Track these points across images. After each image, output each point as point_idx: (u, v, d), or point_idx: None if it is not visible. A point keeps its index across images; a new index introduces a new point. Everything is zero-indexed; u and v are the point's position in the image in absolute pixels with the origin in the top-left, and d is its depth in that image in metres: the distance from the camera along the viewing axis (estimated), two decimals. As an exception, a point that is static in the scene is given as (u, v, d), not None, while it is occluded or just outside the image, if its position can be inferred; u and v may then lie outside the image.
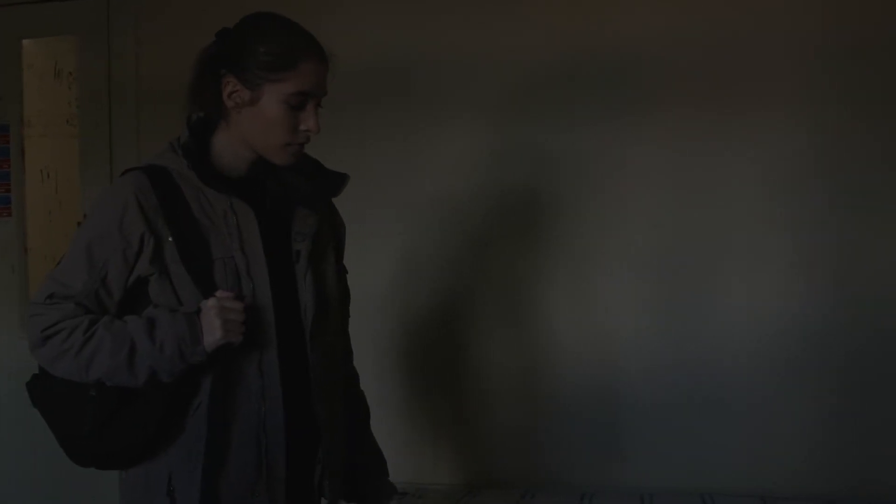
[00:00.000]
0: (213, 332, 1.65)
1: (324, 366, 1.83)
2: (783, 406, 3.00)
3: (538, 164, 3.15)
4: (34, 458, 3.57)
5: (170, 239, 1.69)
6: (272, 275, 1.76)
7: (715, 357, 3.04)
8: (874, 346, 2.95)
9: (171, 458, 1.73)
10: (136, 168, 1.77)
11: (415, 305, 3.27)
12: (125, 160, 3.43)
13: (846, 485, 2.94)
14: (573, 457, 3.15)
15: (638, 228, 3.09)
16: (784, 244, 3.00)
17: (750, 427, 3.02)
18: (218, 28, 1.81)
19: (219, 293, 1.68)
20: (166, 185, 1.73)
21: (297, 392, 1.79)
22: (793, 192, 2.99)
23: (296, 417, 1.78)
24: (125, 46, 3.47)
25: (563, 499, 2.89)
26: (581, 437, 3.14)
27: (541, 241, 3.16)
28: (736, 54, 3.01)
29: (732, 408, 3.03)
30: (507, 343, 3.21)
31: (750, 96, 3.01)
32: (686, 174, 3.06)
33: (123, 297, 1.72)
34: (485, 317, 3.22)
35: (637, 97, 3.08)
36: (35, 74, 4.06)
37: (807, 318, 2.98)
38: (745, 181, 3.02)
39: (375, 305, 3.23)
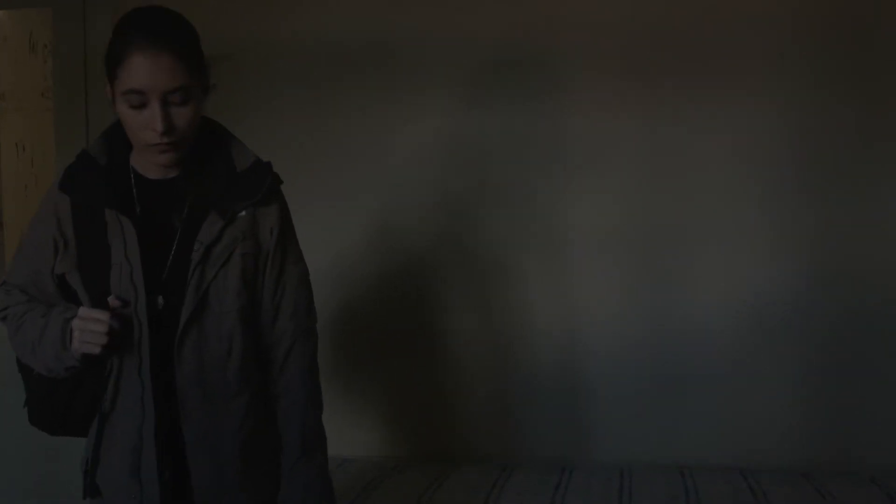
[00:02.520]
0: (73, 342, 1.70)
1: (197, 379, 1.76)
2: (760, 381, 3.02)
3: (516, 140, 3.14)
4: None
5: (72, 243, 1.78)
6: (169, 283, 1.75)
7: (692, 332, 3.05)
8: (850, 320, 2.97)
9: (89, 442, 1.84)
10: (70, 166, 1.81)
11: (389, 278, 3.26)
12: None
13: (823, 458, 2.97)
14: (552, 432, 3.16)
15: (614, 206, 3.09)
16: (760, 221, 3.01)
17: (727, 401, 3.04)
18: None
19: (81, 310, 1.71)
20: (84, 189, 1.77)
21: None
22: (768, 169, 3.00)
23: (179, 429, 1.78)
24: (101, 19, 3.42)
25: (543, 473, 2.90)
26: (559, 413, 3.15)
27: (517, 217, 3.15)
28: (709, 32, 3.01)
29: (710, 382, 3.04)
30: (482, 319, 3.20)
31: (723, 73, 3.01)
32: (661, 152, 3.06)
33: (60, 285, 1.82)
34: (459, 290, 3.22)
35: (612, 77, 3.06)
36: (9, 47, 4.00)
37: (783, 293, 3.00)
38: (720, 159, 3.02)
39: (350, 276, 3.22)
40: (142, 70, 1.64)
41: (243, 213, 1.80)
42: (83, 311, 1.70)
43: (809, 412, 3.01)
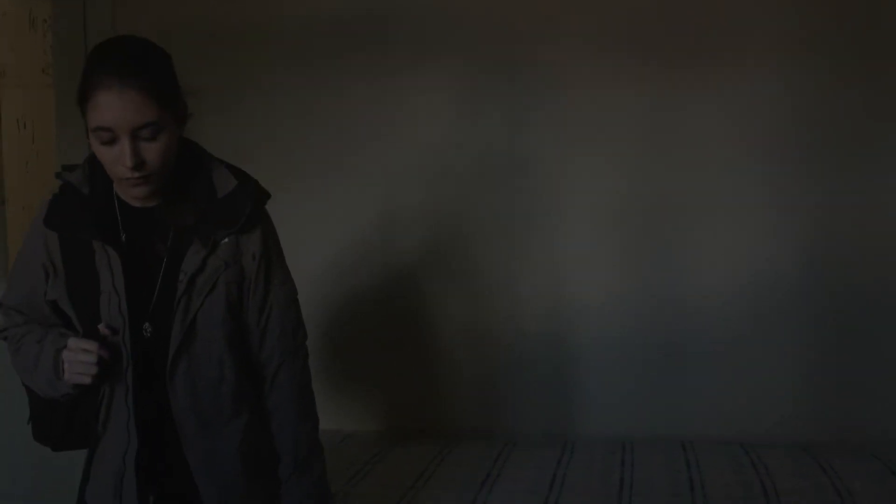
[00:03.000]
0: (66, 373, 1.72)
1: (191, 406, 1.78)
2: (762, 354, 3.03)
3: (516, 114, 3.14)
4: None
5: (61, 272, 1.79)
6: (157, 311, 1.76)
7: (693, 308, 3.06)
8: (851, 297, 2.98)
9: (86, 458, 1.88)
10: (57, 192, 1.81)
11: (391, 249, 3.26)
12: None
13: (824, 432, 2.98)
14: (553, 407, 3.18)
15: (614, 181, 3.09)
16: (761, 197, 3.02)
17: (729, 375, 3.05)
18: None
19: (70, 341, 1.72)
20: (69, 219, 1.77)
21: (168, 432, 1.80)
22: (770, 146, 3.00)
23: (169, 455, 1.81)
24: (101, -6, 3.41)
25: (545, 448, 2.91)
26: (560, 388, 3.17)
27: (517, 190, 3.16)
28: (713, 8, 3.00)
29: (711, 356, 3.06)
30: (483, 293, 3.21)
31: (726, 48, 3.01)
32: (662, 128, 3.06)
33: (54, 309, 1.84)
34: (459, 262, 3.23)
35: (614, 52, 3.06)
36: (9, 23, 3.99)
37: (784, 269, 3.01)
38: (722, 135, 3.03)
39: (355, 253, 3.24)
40: (109, 107, 1.63)
41: (226, 240, 1.79)
42: (72, 342, 1.72)
43: (810, 387, 3.02)
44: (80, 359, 1.69)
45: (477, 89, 3.15)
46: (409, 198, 3.23)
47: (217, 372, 1.80)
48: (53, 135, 3.54)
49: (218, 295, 1.78)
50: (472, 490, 2.53)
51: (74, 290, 1.79)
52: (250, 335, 1.86)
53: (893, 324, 2.97)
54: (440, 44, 3.16)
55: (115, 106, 1.62)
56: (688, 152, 3.04)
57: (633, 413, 3.11)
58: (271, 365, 1.88)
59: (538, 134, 3.12)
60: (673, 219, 3.07)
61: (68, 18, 3.45)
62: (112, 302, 1.74)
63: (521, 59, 3.12)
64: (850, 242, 2.98)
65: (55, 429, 1.85)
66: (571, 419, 3.16)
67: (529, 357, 3.18)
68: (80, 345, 1.70)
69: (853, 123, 2.96)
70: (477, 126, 3.17)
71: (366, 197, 3.24)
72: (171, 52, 1.76)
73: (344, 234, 3.24)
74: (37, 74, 4.11)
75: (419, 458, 2.81)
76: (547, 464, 2.75)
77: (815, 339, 3.01)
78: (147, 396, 1.77)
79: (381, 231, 3.25)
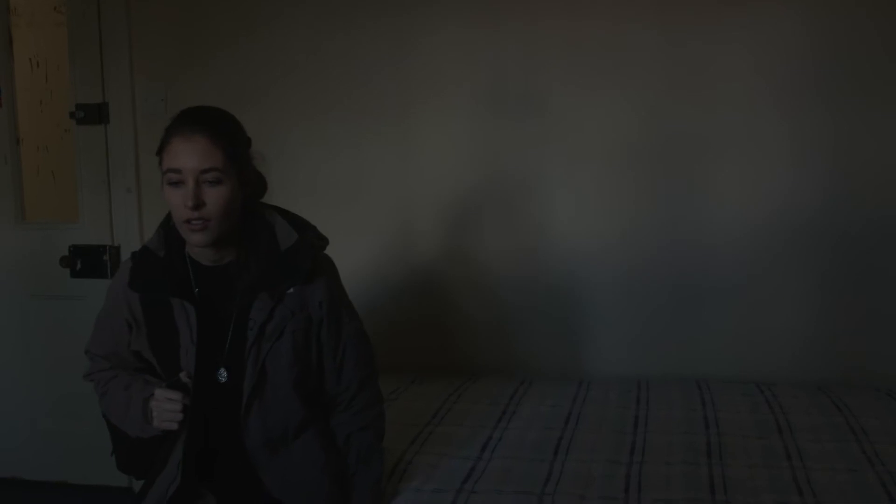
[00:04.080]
0: (154, 420, 1.98)
1: (263, 440, 2.00)
2: (776, 293, 3.03)
3: (533, 50, 3.10)
4: (29, 348, 3.62)
5: (143, 326, 2.03)
6: (228, 360, 1.98)
7: (709, 245, 3.05)
8: (869, 232, 2.96)
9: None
10: (136, 253, 2.06)
11: (408, 198, 3.27)
12: (115, 48, 3.40)
13: (840, 371, 2.99)
14: (568, 346, 3.19)
15: (630, 117, 3.06)
16: (779, 131, 2.98)
17: (744, 314, 3.05)
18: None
19: (157, 391, 1.97)
20: (149, 279, 2.00)
21: (231, 465, 2.03)
22: (787, 79, 2.96)
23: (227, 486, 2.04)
24: (112, -72, 3.36)
25: (560, 385, 2.93)
26: (576, 327, 3.18)
27: (534, 127, 3.13)
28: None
29: (727, 295, 3.05)
30: (500, 234, 3.21)
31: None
32: (679, 62, 3.02)
33: (137, 357, 2.09)
34: (476, 204, 3.21)
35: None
36: (20, -40, 3.95)
37: (801, 204, 2.98)
38: (739, 69, 2.98)
39: (373, 195, 3.24)
40: (179, 151, 1.87)
41: (291, 290, 1.99)
42: (158, 392, 1.96)
43: (825, 325, 3.02)
44: (166, 407, 1.95)
45: (492, 23, 3.12)
46: (427, 138, 3.21)
47: (285, 411, 2.01)
48: (67, 73, 3.52)
49: (285, 342, 1.99)
50: (488, 426, 2.55)
51: (156, 343, 2.03)
52: (327, 371, 2.08)
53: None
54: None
55: (184, 149, 1.87)
56: (706, 89, 3.00)
57: (648, 352, 3.12)
58: (349, 391, 2.10)
59: (555, 69, 3.09)
60: (689, 156, 3.04)
61: (80, -45, 3.41)
62: (189, 354, 1.96)
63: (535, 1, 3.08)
64: (868, 181, 2.95)
65: (143, 462, 2.08)
66: (586, 358, 3.17)
67: (544, 297, 3.19)
68: (166, 395, 1.95)
69: (873, 61, 2.90)
70: (490, 61, 3.14)
71: (382, 139, 3.25)
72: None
73: (359, 178, 3.24)
74: (49, 13, 4.09)
75: (436, 396, 2.83)
76: (563, 401, 2.76)
77: (830, 278, 3.00)
78: (210, 436, 2.01)
79: (393, 175, 3.26)
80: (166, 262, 2.00)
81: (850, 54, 2.92)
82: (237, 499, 2.03)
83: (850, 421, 2.54)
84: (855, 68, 2.92)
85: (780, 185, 2.99)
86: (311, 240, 2.04)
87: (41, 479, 3.62)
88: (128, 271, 2.03)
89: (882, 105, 2.91)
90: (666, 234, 3.08)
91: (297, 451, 2.03)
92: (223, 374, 1.99)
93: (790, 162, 2.98)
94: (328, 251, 2.11)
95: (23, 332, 3.61)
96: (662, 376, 3.00)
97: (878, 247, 2.96)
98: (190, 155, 1.86)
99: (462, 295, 3.26)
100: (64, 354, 3.50)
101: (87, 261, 3.49)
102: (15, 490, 3.60)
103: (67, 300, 3.52)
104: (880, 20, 2.89)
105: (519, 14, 3.10)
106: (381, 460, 2.13)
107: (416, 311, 3.28)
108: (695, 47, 3.00)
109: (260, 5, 3.28)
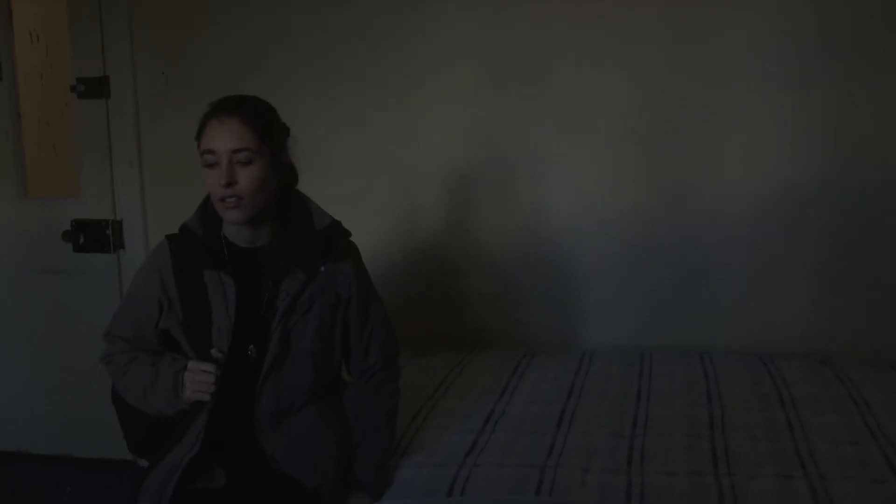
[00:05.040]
0: (185, 391, 2.03)
1: (273, 409, 2.06)
2: (780, 266, 3.02)
3: (536, 24, 3.08)
4: (32, 323, 3.63)
5: (178, 305, 2.09)
6: (257, 335, 2.05)
7: (712, 218, 3.05)
8: (871, 206, 2.95)
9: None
10: (170, 235, 2.13)
11: (411, 173, 3.26)
12: (115, 20, 3.37)
13: (842, 344, 2.99)
14: (571, 319, 3.19)
15: (634, 91, 3.05)
16: (782, 105, 2.97)
17: (747, 287, 3.05)
18: None
19: (190, 363, 2.03)
20: (188, 254, 2.08)
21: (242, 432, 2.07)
22: (791, 53, 2.94)
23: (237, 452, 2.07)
24: None
25: (563, 359, 2.93)
26: (578, 301, 3.18)
27: (535, 102, 3.11)
28: None
29: (729, 267, 3.05)
30: (502, 208, 3.20)
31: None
32: (682, 37, 3.00)
33: (161, 338, 2.14)
34: (479, 178, 3.20)
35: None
36: (18, -68, 3.91)
37: (804, 178, 2.97)
38: (742, 43, 2.96)
39: (375, 169, 3.24)
40: (213, 133, 1.98)
41: (323, 268, 2.08)
42: (192, 364, 2.03)
43: (829, 299, 3.02)
44: (200, 378, 2.01)
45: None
46: (430, 111, 3.20)
47: (298, 385, 2.09)
48: (67, 47, 3.50)
49: (312, 318, 2.08)
50: (490, 400, 2.56)
51: (189, 320, 2.09)
52: (353, 351, 2.18)
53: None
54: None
55: (218, 131, 1.98)
56: (709, 64, 2.98)
57: (650, 325, 3.13)
58: (374, 369, 2.20)
59: (558, 43, 3.07)
60: (692, 131, 3.02)
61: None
62: (223, 328, 2.03)
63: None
64: (871, 155, 2.93)
65: (156, 441, 2.10)
66: (589, 332, 3.18)
67: (547, 271, 3.19)
68: (200, 366, 2.02)
69: (876, 34, 2.88)
70: (494, 36, 3.12)
71: (383, 109, 3.23)
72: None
73: (362, 146, 3.24)
74: (48, -16, 4.05)
75: (439, 369, 2.84)
76: (565, 374, 2.77)
77: (834, 251, 2.99)
78: (227, 408, 2.04)
79: (396, 145, 3.25)
80: (204, 240, 2.09)
81: (853, 27, 2.89)
82: (245, 471, 2.05)
83: (852, 393, 2.54)
84: (857, 41, 2.90)
85: (782, 159, 2.98)
86: (339, 226, 2.15)
87: (46, 452, 3.65)
88: (167, 251, 2.11)
89: (884, 78, 2.89)
90: (669, 208, 3.07)
91: (298, 423, 2.08)
92: (253, 351, 2.05)
93: (793, 136, 2.97)
94: None
95: (26, 306, 3.62)
96: (665, 349, 3.01)
97: (879, 219, 2.95)
98: (222, 136, 1.97)
99: (465, 269, 3.26)
100: (68, 329, 3.51)
101: (90, 235, 3.50)
102: (20, 464, 3.63)
103: (70, 275, 3.53)
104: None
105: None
106: (391, 436, 2.19)
107: (419, 285, 3.28)
108: (697, 22, 2.98)
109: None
